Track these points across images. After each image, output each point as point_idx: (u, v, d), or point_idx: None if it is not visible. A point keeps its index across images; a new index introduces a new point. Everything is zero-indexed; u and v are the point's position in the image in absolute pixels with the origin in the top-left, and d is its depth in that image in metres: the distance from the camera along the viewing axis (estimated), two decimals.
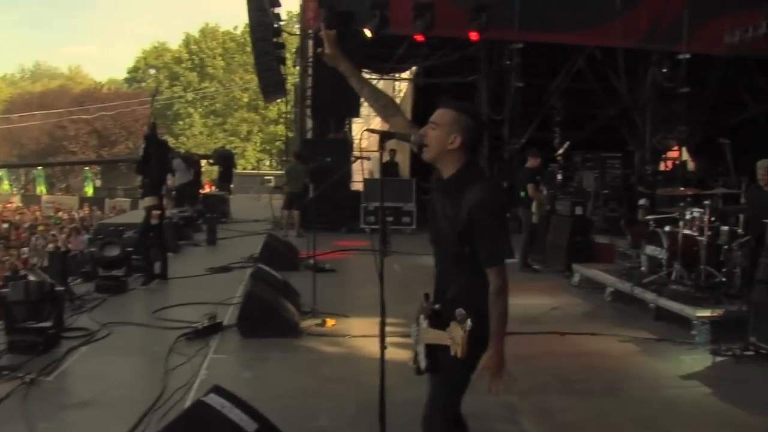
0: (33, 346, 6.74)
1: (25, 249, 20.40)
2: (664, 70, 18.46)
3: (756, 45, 17.60)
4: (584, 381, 6.48)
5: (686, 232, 9.24)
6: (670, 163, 21.79)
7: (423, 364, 3.57)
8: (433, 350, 3.49)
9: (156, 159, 10.78)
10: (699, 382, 6.61)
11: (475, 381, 3.40)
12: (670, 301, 8.51)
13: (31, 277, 7.85)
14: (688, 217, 9.30)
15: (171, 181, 18.21)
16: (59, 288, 7.48)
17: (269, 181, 39.52)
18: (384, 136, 3.66)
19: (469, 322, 3.24)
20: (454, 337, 3.29)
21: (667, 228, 9.75)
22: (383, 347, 3.67)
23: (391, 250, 3.89)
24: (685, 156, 22.63)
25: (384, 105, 3.82)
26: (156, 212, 10.54)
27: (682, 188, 10.17)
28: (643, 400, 6.04)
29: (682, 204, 9.74)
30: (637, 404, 5.95)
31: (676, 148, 22.20)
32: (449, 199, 3.44)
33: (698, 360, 7.21)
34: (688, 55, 17.92)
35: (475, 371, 3.33)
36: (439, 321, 3.45)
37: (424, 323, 3.56)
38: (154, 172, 10.83)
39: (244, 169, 53.83)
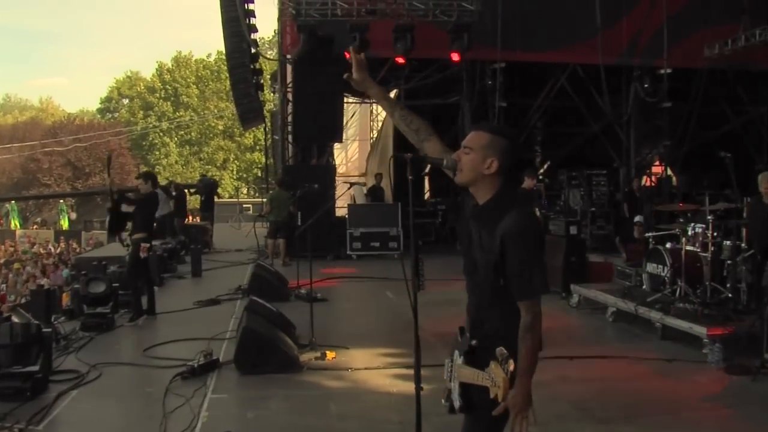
0: (20, 393, 6.38)
1: (3, 286, 19.93)
2: (646, 85, 18.47)
3: (735, 58, 17.69)
4: (602, 407, 6.23)
5: (689, 248, 9.04)
6: (655, 179, 21.72)
7: (457, 403, 3.33)
8: (467, 388, 3.23)
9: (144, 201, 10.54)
10: (719, 403, 6.41)
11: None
12: (678, 319, 8.29)
13: (15, 319, 7.46)
14: (690, 233, 9.11)
15: None
16: (46, 329, 7.10)
17: (248, 209, 39.20)
18: (415, 162, 3.32)
19: (511, 363, 3.00)
20: (495, 379, 3.03)
21: (668, 245, 9.56)
22: (419, 388, 3.33)
23: (424, 282, 3.55)
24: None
25: (416, 129, 3.56)
26: (145, 245, 10.20)
27: (680, 204, 9.95)
28: (665, 425, 5.84)
29: (681, 220, 9.58)
30: (660, 430, 5.71)
31: (658, 162, 22.15)
32: (484, 227, 3.20)
33: (714, 380, 7.00)
34: (669, 70, 17.94)
35: (498, 409, 3.04)
36: (475, 358, 3.20)
37: (459, 360, 3.31)
38: (145, 210, 10.54)
39: (221, 197, 53.38)
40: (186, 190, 23.55)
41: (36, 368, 6.66)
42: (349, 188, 18.36)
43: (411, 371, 6.71)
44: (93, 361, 7.69)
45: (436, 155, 3.40)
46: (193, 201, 23.37)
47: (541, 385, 6.53)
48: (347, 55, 16.88)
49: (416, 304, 3.23)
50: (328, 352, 7.87)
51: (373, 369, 7.35)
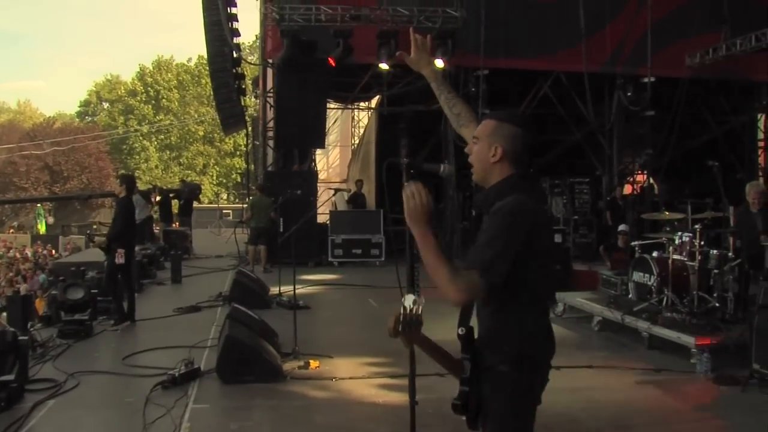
0: None
1: None
2: (629, 94, 18.48)
3: (716, 67, 17.78)
4: (591, 418, 6.15)
5: (676, 257, 8.98)
6: (638, 187, 21.73)
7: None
8: (464, 405, 3.02)
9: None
10: (709, 413, 6.36)
11: None
12: (666, 329, 8.23)
13: None
14: (677, 241, 9.05)
15: None
16: (22, 337, 6.92)
17: (228, 215, 38.96)
18: (410, 168, 3.16)
19: (412, 303, 2.81)
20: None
21: (655, 254, 9.50)
22: (413, 402, 3.21)
23: (421, 295, 3.49)
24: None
25: (458, 114, 3.50)
26: (121, 251, 10.03)
27: (666, 213, 9.90)
28: None
29: (668, 228, 9.52)
30: None
31: (640, 171, 22.18)
32: (485, 215, 3.04)
33: (703, 390, 6.95)
34: (652, 78, 17.97)
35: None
36: (467, 347, 3.04)
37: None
38: (120, 221, 10.43)
39: (201, 203, 53.09)
40: (170, 195, 23.33)
41: (11, 377, 6.47)
42: (333, 194, 18.28)
43: (397, 381, 6.65)
44: (71, 369, 7.49)
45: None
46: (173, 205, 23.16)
47: None
48: (331, 61, 16.82)
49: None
50: (311, 361, 7.74)
51: (358, 378, 7.22)
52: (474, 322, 3.04)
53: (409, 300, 2.83)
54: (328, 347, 8.42)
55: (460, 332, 3.02)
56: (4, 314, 11.25)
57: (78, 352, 8.51)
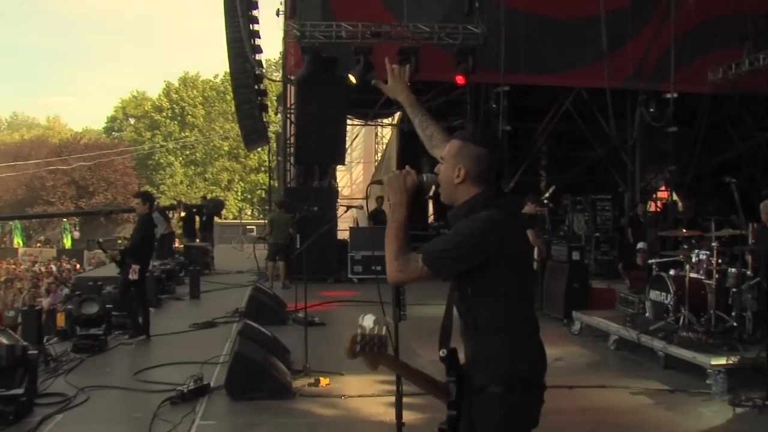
0: (2, 416, 6.22)
1: None
2: (652, 110, 18.36)
3: (739, 82, 17.61)
4: None
5: (693, 275, 8.87)
6: (660, 204, 21.53)
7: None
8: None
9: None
10: None
11: None
12: (681, 348, 8.09)
13: (3, 340, 7.30)
14: (694, 259, 8.94)
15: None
16: (32, 351, 6.93)
17: (252, 230, 39.06)
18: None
19: (372, 323, 2.86)
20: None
21: (672, 272, 9.38)
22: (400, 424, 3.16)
23: (406, 313, 3.50)
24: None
25: (430, 135, 3.48)
26: (135, 266, 10.07)
27: (684, 230, 9.78)
28: None
29: (686, 246, 9.40)
30: None
31: (663, 188, 21.98)
32: None
33: (718, 412, 6.79)
34: (675, 94, 17.83)
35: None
36: (452, 369, 2.99)
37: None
38: (139, 236, 10.49)
39: (225, 218, 53.30)
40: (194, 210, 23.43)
41: (20, 391, 6.49)
42: (345, 212, 18.26)
43: (406, 399, 6.55)
44: (82, 384, 7.50)
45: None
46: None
47: None
48: (351, 78, 16.85)
49: (398, 334, 3.06)
50: (321, 378, 7.68)
51: (367, 397, 7.16)
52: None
53: (368, 320, 2.84)
54: (339, 364, 8.33)
55: (441, 354, 2.96)
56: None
57: (91, 367, 8.53)
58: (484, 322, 2.97)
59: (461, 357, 3.04)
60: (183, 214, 21.80)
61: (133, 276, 10.06)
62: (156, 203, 16.34)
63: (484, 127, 18.85)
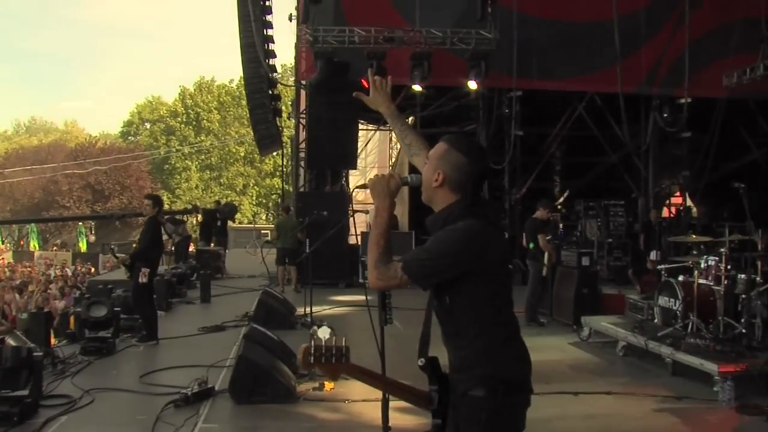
0: (7, 417, 6.24)
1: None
2: (666, 115, 18.28)
3: (754, 87, 17.48)
4: None
5: (701, 281, 8.80)
6: (674, 210, 21.43)
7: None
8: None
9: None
10: None
11: None
12: (689, 355, 8.03)
13: (11, 341, 7.35)
14: (703, 265, 8.87)
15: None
16: (38, 353, 6.96)
17: (266, 235, 39.11)
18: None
19: (320, 334, 2.93)
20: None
21: (680, 278, 9.32)
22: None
23: (391, 319, 3.57)
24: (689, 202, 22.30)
25: (409, 144, 3.57)
26: (145, 270, 10.10)
27: (694, 236, 9.71)
28: None
29: (695, 252, 9.34)
30: None
31: (678, 194, 21.87)
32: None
33: (724, 420, 6.75)
34: (689, 99, 17.73)
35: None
36: (433, 379, 3.08)
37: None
38: (146, 239, 10.53)
39: (240, 223, 53.40)
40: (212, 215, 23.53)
41: (25, 392, 6.53)
42: (351, 215, 18.26)
43: (410, 404, 6.54)
44: (88, 386, 7.53)
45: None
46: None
47: (538, 422, 6.36)
48: (364, 83, 16.84)
49: (383, 338, 3.08)
50: (326, 382, 7.66)
51: (372, 401, 7.09)
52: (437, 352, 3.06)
53: (323, 332, 2.91)
54: None
55: (420, 363, 3.03)
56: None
57: (98, 369, 8.56)
58: (464, 329, 3.01)
59: (444, 364, 3.08)
60: (199, 218, 21.85)
61: (143, 279, 10.09)
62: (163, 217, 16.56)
63: (496, 131, 18.84)
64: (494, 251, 3.01)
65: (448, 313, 3.04)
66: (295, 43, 20.14)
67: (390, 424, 6.24)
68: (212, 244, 22.14)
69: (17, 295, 19.44)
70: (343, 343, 2.91)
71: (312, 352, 2.88)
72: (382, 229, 3.04)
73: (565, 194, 24.39)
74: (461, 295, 2.98)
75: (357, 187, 3.59)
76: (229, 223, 27.01)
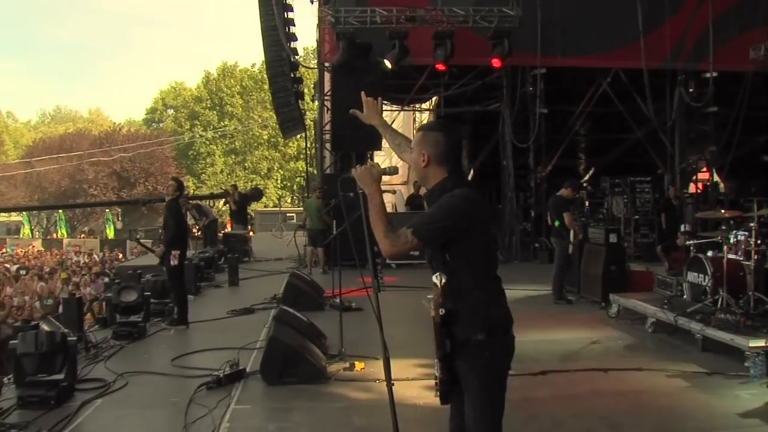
0: (44, 401, 6.36)
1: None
2: (691, 90, 18.11)
3: None
4: (635, 424, 5.98)
5: (731, 256, 8.75)
6: (701, 185, 21.22)
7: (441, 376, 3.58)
8: (449, 380, 3.53)
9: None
10: (760, 420, 6.09)
11: None
12: (719, 331, 7.99)
13: (44, 327, 7.44)
14: (732, 240, 8.81)
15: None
16: (72, 338, 7.05)
17: (292, 218, 39.23)
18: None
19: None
20: None
21: (710, 253, 9.26)
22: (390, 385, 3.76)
23: (384, 286, 3.87)
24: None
25: (398, 144, 4.13)
26: (175, 252, 10.21)
27: (723, 210, 9.63)
28: None
29: (724, 227, 9.26)
30: None
31: (705, 169, 21.66)
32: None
33: (756, 395, 6.67)
34: (714, 73, 17.54)
35: None
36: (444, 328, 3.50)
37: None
38: (172, 223, 10.61)
39: (265, 206, 53.57)
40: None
41: (61, 376, 6.63)
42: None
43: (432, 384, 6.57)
44: (121, 370, 7.65)
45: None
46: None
47: (572, 399, 6.43)
48: (387, 63, 16.83)
49: (378, 304, 3.76)
50: (356, 362, 7.72)
51: (402, 380, 7.15)
52: None
53: (436, 278, 3.45)
54: (375, 349, 8.32)
55: (441, 312, 3.45)
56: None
57: (129, 353, 8.67)
58: (464, 284, 3.48)
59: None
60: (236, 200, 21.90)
61: (174, 261, 10.21)
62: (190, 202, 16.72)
63: (521, 110, 18.76)
64: (484, 213, 3.63)
65: (450, 271, 3.46)
66: (317, 25, 20.14)
67: (415, 402, 6.34)
68: (250, 228, 22.25)
69: (43, 283, 19.73)
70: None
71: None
72: (379, 207, 3.53)
73: (591, 171, 24.26)
74: (460, 252, 3.47)
75: (344, 177, 4.10)
76: (253, 206, 27.08)
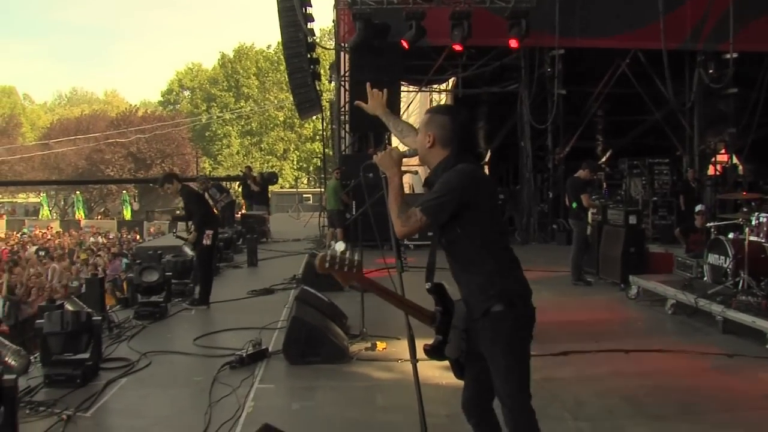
0: (70, 380, 6.42)
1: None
2: (711, 71, 17.96)
3: None
4: (657, 404, 5.98)
5: (753, 238, 8.72)
6: (720, 167, 21.08)
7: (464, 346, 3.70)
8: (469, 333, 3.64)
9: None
10: None
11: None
12: (740, 313, 7.98)
13: (68, 306, 7.51)
14: (753, 222, 8.78)
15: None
16: (96, 317, 7.12)
17: (308, 199, 39.31)
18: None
19: (337, 247, 3.36)
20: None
21: (731, 235, 9.23)
22: (414, 361, 3.84)
23: (407, 267, 3.89)
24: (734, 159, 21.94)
25: (401, 130, 4.23)
26: (209, 232, 10.31)
27: (744, 192, 9.59)
28: (723, 425, 5.56)
29: (745, 209, 9.22)
30: (718, 429, 5.47)
31: (724, 151, 21.51)
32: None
33: None
34: (735, 54, 17.38)
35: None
36: (439, 301, 3.64)
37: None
38: (194, 207, 10.72)
39: (281, 187, 53.68)
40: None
41: (86, 356, 6.70)
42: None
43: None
44: (144, 349, 7.71)
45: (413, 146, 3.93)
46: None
47: (594, 380, 6.45)
48: (404, 44, 16.80)
49: (402, 285, 3.71)
50: (378, 342, 7.76)
51: (424, 360, 7.10)
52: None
53: (339, 246, 3.38)
54: (396, 329, 8.37)
55: (427, 287, 3.59)
56: None
57: (152, 333, 8.74)
58: (476, 256, 3.58)
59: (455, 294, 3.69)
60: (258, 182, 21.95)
61: (206, 241, 10.30)
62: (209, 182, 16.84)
63: (539, 91, 18.69)
64: (486, 185, 3.72)
65: (460, 244, 3.59)
66: (334, 5, 20.10)
67: (437, 382, 6.37)
68: (267, 210, 22.30)
69: (56, 265, 19.89)
70: (356, 257, 3.38)
71: (328, 259, 3.30)
72: (397, 189, 3.62)
73: (609, 153, 24.17)
74: (468, 225, 3.54)
75: (367, 164, 4.07)
76: (270, 188, 27.14)
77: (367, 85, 4.38)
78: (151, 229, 34.38)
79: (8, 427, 4.75)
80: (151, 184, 43.34)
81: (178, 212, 11.66)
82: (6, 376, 4.83)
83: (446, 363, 6.97)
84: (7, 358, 6.48)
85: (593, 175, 12.53)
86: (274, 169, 52.73)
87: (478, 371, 3.70)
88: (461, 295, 3.69)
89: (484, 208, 3.60)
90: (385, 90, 4.36)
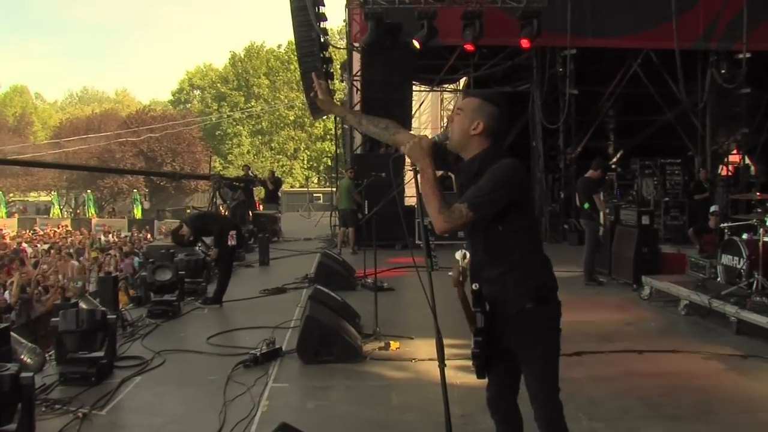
0: (85, 377, 6.46)
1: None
2: (723, 71, 17.90)
3: None
4: (671, 404, 5.96)
5: (767, 239, 8.68)
6: (732, 168, 21.02)
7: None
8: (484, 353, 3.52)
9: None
10: None
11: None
12: (754, 314, 7.95)
13: (83, 305, 7.55)
14: None
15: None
16: (111, 316, 7.15)
17: (318, 198, 39.35)
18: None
19: (462, 257, 3.31)
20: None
21: (745, 236, 9.20)
22: (442, 366, 3.50)
23: (437, 266, 3.81)
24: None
25: (385, 127, 3.95)
26: (232, 232, 10.40)
27: (758, 193, 9.54)
28: (738, 425, 5.55)
29: (759, 210, 9.18)
30: (733, 430, 5.45)
31: (736, 151, 21.44)
32: (470, 180, 3.50)
33: None
34: (748, 54, 17.32)
35: None
36: (479, 302, 3.50)
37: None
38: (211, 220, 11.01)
39: (291, 187, 53.74)
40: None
41: (101, 354, 6.73)
42: (415, 176, 18.27)
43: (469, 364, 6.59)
44: (158, 348, 7.73)
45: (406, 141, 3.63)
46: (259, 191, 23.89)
47: (608, 380, 6.43)
48: (415, 43, 16.79)
49: (431, 283, 3.32)
50: (392, 342, 7.77)
51: (437, 360, 7.18)
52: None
53: (459, 254, 3.30)
54: (409, 329, 8.41)
55: (474, 288, 3.48)
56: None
57: (165, 332, 8.77)
58: (515, 252, 3.49)
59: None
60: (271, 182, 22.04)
61: (232, 241, 10.42)
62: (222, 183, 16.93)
63: (550, 91, 18.67)
64: (528, 183, 3.72)
65: (501, 241, 3.47)
66: (346, 5, 20.09)
67: (452, 382, 6.36)
68: (279, 208, 22.40)
69: (75, 262, 19.94)
70: (467, 266, 3.35)
71: (460, 272, 3.31)
72: (432, 182, 3.38)
73: (620, 153, 24.11)
74: (510, 222, 3.44)
75: (394, 158, 3.93)
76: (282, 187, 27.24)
77: (313, 74, 4.22)
78: (162, 228, 34.39)
79: (26, 424, 4.77)
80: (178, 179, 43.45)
81: (188, 211, 11.78)
82: (23, 374, 4.85)
83: (459, 363, 7.06)
84: (23, 356, 6.53)
85: (603, 174, 12.49)
86: (284, 169, 52.84)
87: (504, 368, 3.67)
88: (483, 290, 3.53)
89: (525, 206, 3.57)
90: (327, 80, 4.13)
